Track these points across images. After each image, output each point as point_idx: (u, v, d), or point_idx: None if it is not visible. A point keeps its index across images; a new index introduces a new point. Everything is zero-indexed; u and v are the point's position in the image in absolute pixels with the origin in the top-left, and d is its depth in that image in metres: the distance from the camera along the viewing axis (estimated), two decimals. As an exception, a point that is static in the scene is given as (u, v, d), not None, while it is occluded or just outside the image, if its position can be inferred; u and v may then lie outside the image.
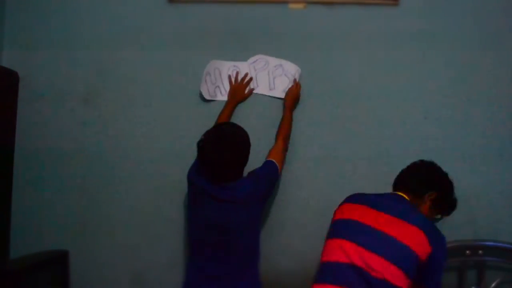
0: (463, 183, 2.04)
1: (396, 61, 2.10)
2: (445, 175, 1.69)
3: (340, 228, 1.59)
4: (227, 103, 2.06)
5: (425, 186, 1.64)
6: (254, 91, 2.11)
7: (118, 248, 2.09)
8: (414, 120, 2.08)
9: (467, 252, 1.95)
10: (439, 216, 1.70)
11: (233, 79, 2.11)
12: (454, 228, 2.00)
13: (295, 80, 2.08)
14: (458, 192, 2.03)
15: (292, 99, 2.04)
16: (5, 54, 2.15)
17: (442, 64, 2.10)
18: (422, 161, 1.73)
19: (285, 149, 1.95)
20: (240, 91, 2.09)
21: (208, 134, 1.72)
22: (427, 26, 2.11)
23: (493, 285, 1.97)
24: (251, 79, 2.11)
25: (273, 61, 2.12)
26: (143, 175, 2.10)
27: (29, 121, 2.13)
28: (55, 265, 2.02)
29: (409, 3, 2.11)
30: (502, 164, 2.06)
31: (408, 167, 1.73)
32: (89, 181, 2.11)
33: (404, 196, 1.63)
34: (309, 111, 2.10)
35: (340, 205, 1.68)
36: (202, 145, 1.69)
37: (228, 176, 1.70)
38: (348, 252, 1.47)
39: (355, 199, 1.66)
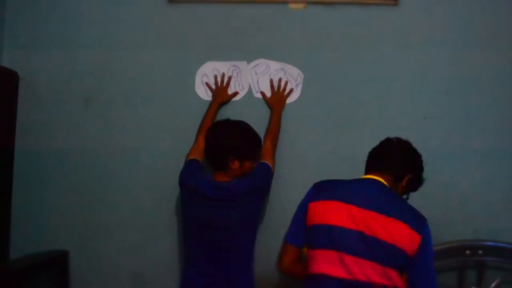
0: (463, 183, 2.05)
1: (396, 61, 2.10)
2: (420, 155, 1.60)
3: (324, 236, 1.45)
4: (211, 104, 2.05)
5: (406, 169, 1.54)
6: (256, 95, 2.11)
7: (118, 248, 2.09)
8: (414, 120, 2.08)
9: (467, 252, 1.95)
10: (405, 196, 1.60)
11: (218, 81, 2.09)
12: (454, 228, 2.01)
13: (279, 83, 2.09)
14: (458, 192, 2.05)
15: (278, 104, 2.05)
16: (5, 54, 2.15)
17: (442, 64, 2.09)
18: (398, 140, 1.60)
19: (274, 148, 1.94)
20: (222, 92, 2.08)
21: (214, 124, 1.88)
22: (427, 26, 2.11)
23: (493, 285, 1.97)
24: (230, 79, 2.09)
25: (274, 65, 2.12)
26: (143, 175, 2.10)
27: (29, 121, 2.13)
28: (55, 265, 2.02)
29: (409, 3, 2.11)
30: (502, 164, 2.06)
31: (385, 147, 1.59)
32: (89, 181, 2.11)
33: (381, 180, 1.51)
34: (308, 111, 2.09)
35: (312, 201, 1.52)
36: (207, 135, 1.81)
37: (225, 162, 1.73)
38: (348, 266, 1.38)
39: (328, 193, 1.50)
